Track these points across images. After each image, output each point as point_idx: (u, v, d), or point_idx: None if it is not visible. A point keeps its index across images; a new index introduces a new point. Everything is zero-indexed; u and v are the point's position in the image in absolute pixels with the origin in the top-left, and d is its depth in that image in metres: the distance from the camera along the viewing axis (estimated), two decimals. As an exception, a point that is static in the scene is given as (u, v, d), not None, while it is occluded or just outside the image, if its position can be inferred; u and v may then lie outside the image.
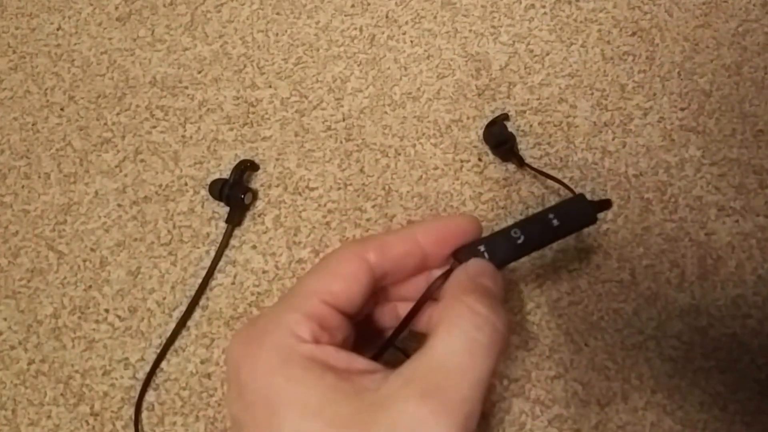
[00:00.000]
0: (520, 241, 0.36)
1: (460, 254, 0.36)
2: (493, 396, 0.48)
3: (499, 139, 0.53)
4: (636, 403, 0.47)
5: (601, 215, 0.41)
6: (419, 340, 0.36)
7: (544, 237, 0.37)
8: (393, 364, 0.32)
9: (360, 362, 0.32)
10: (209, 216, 0.55)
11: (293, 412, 0.30)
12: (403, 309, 0.38)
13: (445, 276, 0.35)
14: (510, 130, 0.53)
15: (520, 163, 0.52)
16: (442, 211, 0.52)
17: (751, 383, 0.47)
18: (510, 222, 0.40)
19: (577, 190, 0.51)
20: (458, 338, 0.31)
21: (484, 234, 0.37)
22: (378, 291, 0.37)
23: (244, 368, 0.32)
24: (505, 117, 0.54)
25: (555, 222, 0.37)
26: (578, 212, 0.38)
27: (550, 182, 0.52)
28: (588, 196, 0.39)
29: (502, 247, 0.36)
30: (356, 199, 0.54)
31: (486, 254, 0.36)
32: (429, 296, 0.36)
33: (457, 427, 0.28)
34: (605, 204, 0.39)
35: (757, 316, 0.48)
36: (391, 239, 0.36)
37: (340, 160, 0.55)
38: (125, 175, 0.57)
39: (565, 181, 0.51)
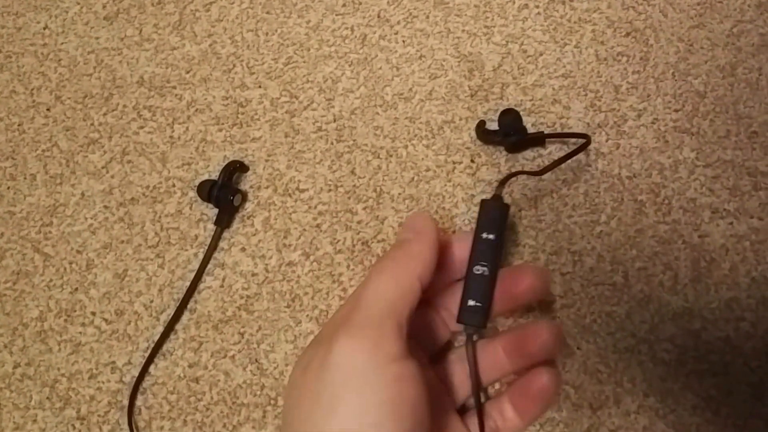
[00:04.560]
0: (486, 273, 0.42)
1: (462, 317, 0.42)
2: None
3: (512, 129, 0.52)
4: (628, 407, 0.47)
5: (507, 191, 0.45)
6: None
7: (496, 252, 0.42)
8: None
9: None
10: (197, 218, 0.54)
11: (354, 410, 0.34)
12: None
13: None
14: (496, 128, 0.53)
15: (542, 138, 0.53)
16: (434, 212, 0.52)
17: (744, 387, 0.46)
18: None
19: (571, 192, 0.51)
20: None
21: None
22: None
23: (337, 346, 0.35)
24: (482, 123, 0.53)
25: (491, 236, 0.42)
26: (494, 211, 0.43)
27: (542, 184, 0.51)
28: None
29: (481, 287, 0.42)
30: (347, 201, 0.53)
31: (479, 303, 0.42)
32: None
33: None
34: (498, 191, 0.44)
35: (750, 319, 0.47)
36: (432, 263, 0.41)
37: (331, 162, 0.54)
38: (112, 177, 0.56)
39: (558, 183, 0.51)
